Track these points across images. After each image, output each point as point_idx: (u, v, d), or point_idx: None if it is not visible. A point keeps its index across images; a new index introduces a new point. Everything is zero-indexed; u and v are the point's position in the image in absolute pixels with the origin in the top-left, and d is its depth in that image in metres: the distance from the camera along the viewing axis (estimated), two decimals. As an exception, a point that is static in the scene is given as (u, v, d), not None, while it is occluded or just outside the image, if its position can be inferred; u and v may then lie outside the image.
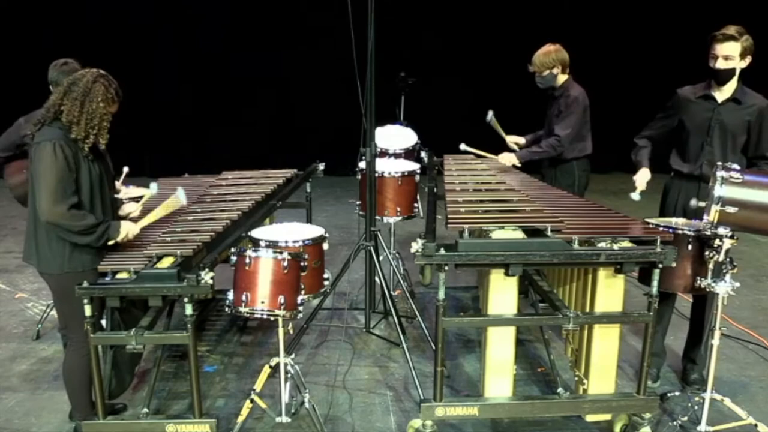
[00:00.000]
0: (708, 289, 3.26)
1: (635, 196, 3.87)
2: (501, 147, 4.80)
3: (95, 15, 8.92)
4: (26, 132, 3.68)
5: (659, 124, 3.96)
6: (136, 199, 3.64)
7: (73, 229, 3.00)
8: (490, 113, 4.79)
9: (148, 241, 3.34)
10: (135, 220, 3.35)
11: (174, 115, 9.37)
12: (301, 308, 3.29)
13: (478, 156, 4.79)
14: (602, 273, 3.29)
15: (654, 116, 4.02)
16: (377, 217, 4.48)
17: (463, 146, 4.75)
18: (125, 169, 3.96)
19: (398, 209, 4.63)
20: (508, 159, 4.61)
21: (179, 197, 3.33)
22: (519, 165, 4.60)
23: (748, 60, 3.60)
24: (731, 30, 3.56)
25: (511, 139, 4.93)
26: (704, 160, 3.72)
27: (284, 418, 3.34)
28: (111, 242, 3.11)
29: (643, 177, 3.89)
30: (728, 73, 3.61)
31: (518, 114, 5.33)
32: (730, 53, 3.56)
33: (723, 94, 3.68)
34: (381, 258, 4.48)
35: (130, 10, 8.95)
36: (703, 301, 3.82)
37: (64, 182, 2.97)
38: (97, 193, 3.14)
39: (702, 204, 3.20)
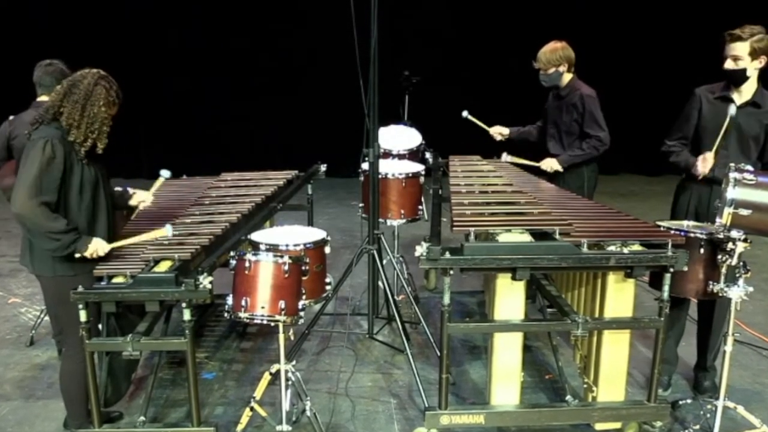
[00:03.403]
0: (721, 294, 3.23)
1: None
2: (538, 153, 4.73)
3: (91, 12, 8.90)
4: (15, 133, 3.62)
5: (681, 129, 3.82)
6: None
7: (40, 228, 2.91)
8: (465, 112, 4.87)
9: (144, 245, 3.30)
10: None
11: (173, 115, 9.33)
12: (302, 313, 3.25)
13: (521, 166, 4.74)
14: (612, 277, 3.26)
15: (667, 118, 3.94)
16: (380, 220, 4.44)
17: (506, 156, 4.76)
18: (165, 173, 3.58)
19: (402, 212, 4.60)
20: (550, 165, 4.57)
21: (167, 231, 3.22)
22: (562, 170, 4.53)
23: (763, 61, 3.52)
24: (741, 30, 3.50)
25: (495, 130, 4.96)
26: (719, 163, 3.64)
27: (285, 427, 3.30)
28: (77, 255, 3.01)
29: (702, 157, 3.61)
30: (738, 74, 3.54)
31: (523, 114, 5.28)
32: (738, 53, 3.50)
33: (742, 96, 3.60)
34: (384, 262, 4.44)
35: (125, 6, 8.93)
36: (709, 305, 3.76)
37: (44, 178, 2.91)
38: (89, 197, 3.08)
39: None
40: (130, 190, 3.49)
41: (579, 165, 4.51)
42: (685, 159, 3.75)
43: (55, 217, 2.93)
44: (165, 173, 3.41)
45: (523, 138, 4.94)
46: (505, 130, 4.96)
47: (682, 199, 3.84)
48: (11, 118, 3.80)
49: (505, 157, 4.74)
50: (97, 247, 3.03)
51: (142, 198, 3.46)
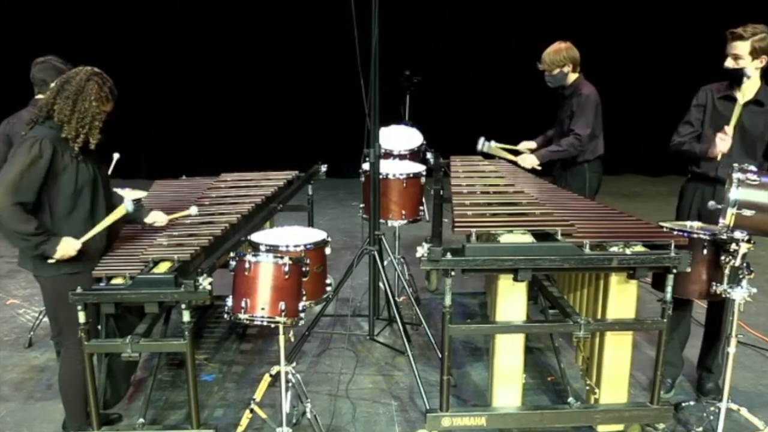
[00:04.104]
0: (724, 295, 3.22)
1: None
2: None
3: (90, 12, 8.89)
4: (15, 131, 3.60)
5: (689, 130, 3.76)
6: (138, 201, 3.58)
7: (10, 226, 2.90)
8: (482, 141, 4.69)
9: (144, 246, 3.29)
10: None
11: (172, 115, 9.31)
12: (302, 315, 3.23)
13: (501, 158, 4.71)
14: (614, 278, 3.25)
15: (671, 118, 3.91)
16: (381, 221, 4.42)
17: (482, 142, 4.68)
18: (115, 156, 3.79)
19: (403, 212, 4.59)
20: (528, 161, 4.57)
21: (128, 204, 3.19)
22: (539, 167, 4.53)
23: (763, 60, 3.51)
24: (743, 28, 3.48)
25: (523, 146, 4.88)
26: (722, 162, 3.63)
27: (285, 429, 3.28)
28: (51, 261, 2.98)
29: (720, 137, 3.51)
30: (738, 73, 3.51)
31: (527, 113, 5.27)
32: (738, 52, 3.49)
33: (745, 95, 3.58)
34: (385, 263, 4.43)
35: (125, 7, 8.92)
36: (718, 308, 3.74)
37: (25, 179, 2.90)
38: (87, 195, 3.07)
39: (720, 206, 3.15)
40: (143, 202, 3.48)
41: (581, 165, 4.49)
42: (700, 146, 3.68)
43: (27, 219, 2.92)
44: (194, 210, 3.53)
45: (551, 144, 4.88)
46: (532, 144, 4.87)
47: (686, 200, 3.83)
48: (5, 121, 3.78)
49: (482, 142, 4.65)
50: (66, 247, 2.98)
51: (157, 219, 3.44)
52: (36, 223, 2.93)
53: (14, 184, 2.88)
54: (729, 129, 3.48)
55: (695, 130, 3.76)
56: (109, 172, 3.46)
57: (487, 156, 4.83)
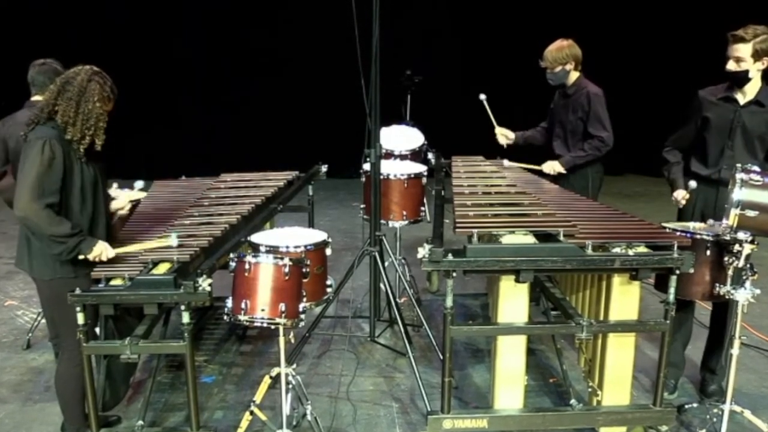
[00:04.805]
0: (727, 297, 3.21)
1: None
2: (542, 157, 4.68)
3: (89, 12, 8.89)
4: (10, 133, 3.58)
5: (681, 133, 3.83)
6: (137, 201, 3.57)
7: (45, 230, 2.89)
8: (483, 96, 4.78)
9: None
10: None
11: (172, 115, 9.30)
12: (302, 316, 3.22)
13: (524, 169, 4.71)
14: (617, 279, 3.24)
15: (673, 118, 3.90)
16: (382, 222, 4.41)
17: (507, 163, 4.70)
18: (138, 184, 3.78)
19: (404, 213, 4.58)
20: (552, 167, 4.53)
21: (172, 240, 3.19)
22: (565, 172, 4.50)
23: (765, 62, 3.50)
24: (744, 30, 3.46)
25: (501, 131, 4.89)
26: (724, 163, 3.63)
27: (285, 431, 3.27)
28: (81, 257, 2.97)
29: (681, 196, 3.74)
30: (740, 76, 3.52)
31: (526, 113, 5.25)
32: (741, 55, 3.47)
33: (745, 96, 3.58)
34: (386, 264, 4.42)
35: (125, 7, 8.92)
36: (723, 309, 3.73)
37: (45, 180, 2.88)
38: (90, 196, 3.06)
39: (694, 184, 3.45)
40: (143, 203, 3.45)
41: (583, 166, 4.47)
42: (673, 179, 3.79)
43: (60, 220, 2.90)
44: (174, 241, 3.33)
45: (529, 142, 4.88)
46: (511, 135, 4.89)
47: (688, 201, 3.80)
48: (3, 120, 3.77)
49: (507, 163, 4.70)
50: (102, 249, 3.00)
51: (119, 205, 3.38)
52: (69, 223, 2.91)
53: (38, 187, 2.85)
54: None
55: (681, 139, 3.81)
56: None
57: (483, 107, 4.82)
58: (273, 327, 3.14)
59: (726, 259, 3.16)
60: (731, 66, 3.51)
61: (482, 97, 4.79)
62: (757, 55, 3.46)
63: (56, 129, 2.95)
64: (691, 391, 3.96)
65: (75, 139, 2.95)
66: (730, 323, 3.67)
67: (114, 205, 3.36)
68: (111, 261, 3.06)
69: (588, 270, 3.29)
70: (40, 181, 2.86)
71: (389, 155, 4.95)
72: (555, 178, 4.51)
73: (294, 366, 3.39)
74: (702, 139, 3.71)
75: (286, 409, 3.27)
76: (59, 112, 2.94)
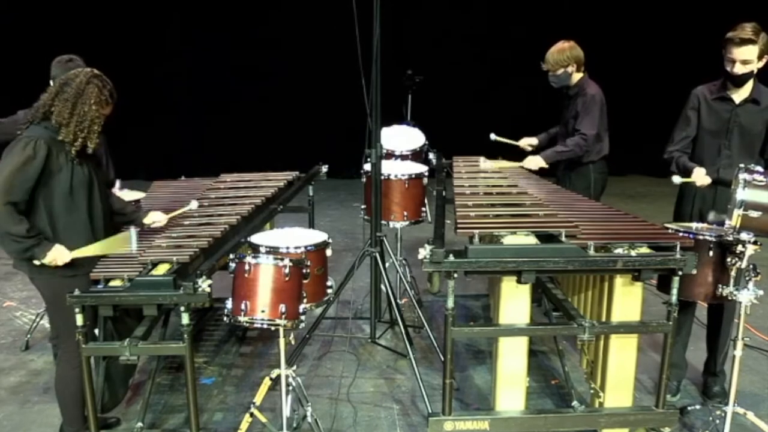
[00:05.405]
0: (730, 298, 3.20)
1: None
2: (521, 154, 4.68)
3: (89, 11, 8.88)
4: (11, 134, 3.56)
5: (684, 135, 3.78)
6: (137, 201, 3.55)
7: (2, 227, 2.87)
8: (492, 135, 4.72)
9: (142, 248, 3.24)
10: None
11: (171, 115, 9.30)
12: (303, 317, 3.22)
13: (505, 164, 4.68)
14: (619, 280, 3.22)
15: (673, 119, 3.88)
16: (383, 222, 4.40)
17: (483, 162, 4.66)
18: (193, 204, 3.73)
19: (405, 213, 4.57)
20: (534, 162, 4.52)
21: (131, 240, 3.15)
22: (546, 166, 4.49)
23: (765, 59, 3.51)
24: (748, 32, 3.44)
25: (524, 142, 4.86)
26: (722, 163, 3.63)
27: (285, 433, 3.27)
28: (37, 262, 2.95)
29: (705, 173, 3.60)
30: (747, 77, 3.52)
31: (531, 113, 5.23)
32: (749, 57, 3.46)
33: (740, 95, 3.59)
34: (387, 265, 4.40)
35: (124, 7, 8.91)
36: (718, 309, 3.73)
37: (17, 178, 2.87)
38: (83, 197, 3.05)
39: (722, 217, 3.20)
40: (142, 204, 3.43)
41: (585, 165, 4.47)
42: (687, 166, 3.69)
43: (19, 220, 2.89)
44: (194, 204, 3.47)
45: (554, 143, 4.85)
46: (534, 140, 4.86)
47: (685, 202, 3.82)
48: (20, 114, 3.75)
49: (483, 162, 4.62)
50: (56, 255, 2.96)
51: (156, 219, 3.40)
52: (28, 225, 2.90)
53: (5, 183, 2.85)
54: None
55: (688, 135, 3.75)
56: (174, 214, 3.48)
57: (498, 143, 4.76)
58: (273, 328, 3.14)
59: (729, 259, 3.15)
60: (739, 69, 3.48)
61: (493, 137, 4.73)
62: (762, 54, 3.47)
63: (49, 129, 2.95)
64: (694, 393, 3.95)
65: (67, 140, 2.95)
66: (726, 323, 3.70)
67: (151, 217, 3.38)
68: (106, 261, 3.06)
69: (590, 271, 3.27)
70: (10, 179, 2.86)
71: (390, 155, 4.95)
72: (557, 179, 4.49)
73: (294, 367, 3.39)
74: (698, 139, 3.72)
75: (286, 410, 3.27)
76: (55, 112, 2.95)
